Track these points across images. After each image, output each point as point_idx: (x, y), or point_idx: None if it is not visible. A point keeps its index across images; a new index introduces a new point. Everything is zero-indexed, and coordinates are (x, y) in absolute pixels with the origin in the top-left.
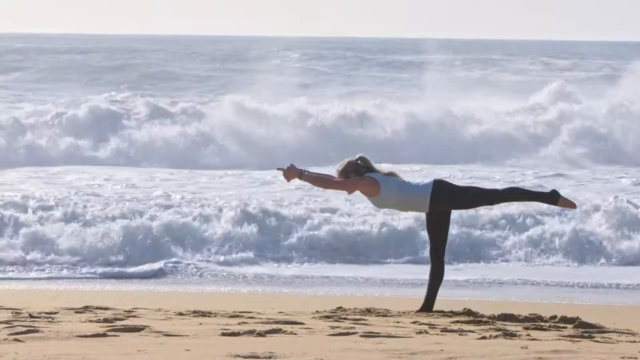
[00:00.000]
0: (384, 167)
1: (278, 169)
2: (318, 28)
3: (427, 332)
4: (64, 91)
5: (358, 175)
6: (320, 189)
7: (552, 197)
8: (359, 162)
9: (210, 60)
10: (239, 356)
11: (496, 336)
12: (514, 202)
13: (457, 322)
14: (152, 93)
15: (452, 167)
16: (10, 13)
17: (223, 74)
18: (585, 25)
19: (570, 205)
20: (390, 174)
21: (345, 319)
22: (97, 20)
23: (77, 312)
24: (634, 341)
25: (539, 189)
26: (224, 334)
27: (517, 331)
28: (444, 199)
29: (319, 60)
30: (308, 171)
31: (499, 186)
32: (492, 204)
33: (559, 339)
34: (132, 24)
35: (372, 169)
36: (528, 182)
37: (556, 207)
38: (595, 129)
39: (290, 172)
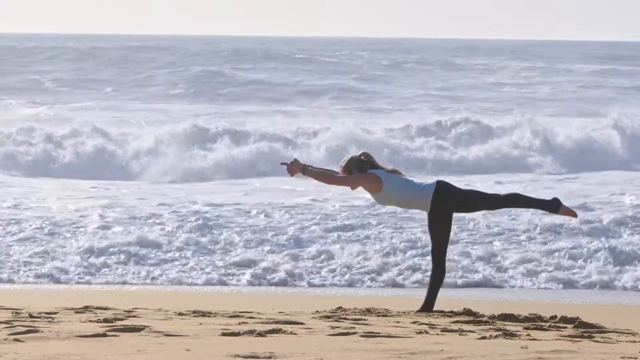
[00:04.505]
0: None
1: (282, 163)
2: (318, 28)
3: (427, 332)
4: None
5: (361, 171)
6: (324, 184)
7: (554, 205)
8: (362, 157)
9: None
10: (239, 356)
11: (496, 336)
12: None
13: (457, 322)
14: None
15: None
16: (10, 13)
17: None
18: (585, 25)
19: (571, 214)
20: (394, 172)
21: (345, 319)
22: (97, 21)
23: (77, 312)
24: (634, 341)
25: (541, 197)
26: (224, 334)
27: (517, 331)
28: (445, 201)
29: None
30: (311, 166)
31: (501, 191)
32: (493, 208)
33: (559, 339)
34: (132, 24)
35: (375, 165)
36: None
37: (557, 215)
38: None
39: (294, 167)
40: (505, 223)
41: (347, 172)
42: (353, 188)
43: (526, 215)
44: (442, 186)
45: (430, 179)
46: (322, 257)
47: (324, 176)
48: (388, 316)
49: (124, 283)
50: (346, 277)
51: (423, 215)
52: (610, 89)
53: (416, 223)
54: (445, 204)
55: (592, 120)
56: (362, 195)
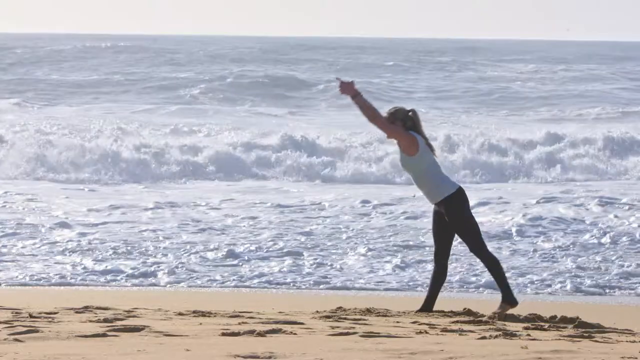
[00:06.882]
0: None
1: (337, 78)
2: (318, 28)
3: (427, 332)
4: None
5: (404, 126)
6: (364, 117)
7: (508, 299)
8: (409, 114)
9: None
10: (239, 356)
11: (496, 336)
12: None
13: (457, 322)
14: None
15: None
16: (10, 13)
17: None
18: (585, 25)
19: (500, 316)
20: (430, 147)
21: (345, 319)
22: (97, 21)
23: (77, 312)
24: (634, 341)
25: (510, 286)
26: (224, 334)
27: (517, 331)
28: (451, 207)
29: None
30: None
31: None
32: (472, 251)
33: (559, 339)
34: (132, 24)
35: (417, 129)
36: None
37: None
38: None
39: (347, 87)
40: (506, 224)
41: (391, 119)
42: (389, 137)
43: (526, 215)
44: (460, 193)
45: (455, 182)
46: (322, 257)
47: (371, 110)
48: (388, 316)
49: (124, 285)
50: (346, 277)
51: (428, 215)
52: None
53: (417, 222)
54: (448, 209)
55: None
56: (362, 196)
